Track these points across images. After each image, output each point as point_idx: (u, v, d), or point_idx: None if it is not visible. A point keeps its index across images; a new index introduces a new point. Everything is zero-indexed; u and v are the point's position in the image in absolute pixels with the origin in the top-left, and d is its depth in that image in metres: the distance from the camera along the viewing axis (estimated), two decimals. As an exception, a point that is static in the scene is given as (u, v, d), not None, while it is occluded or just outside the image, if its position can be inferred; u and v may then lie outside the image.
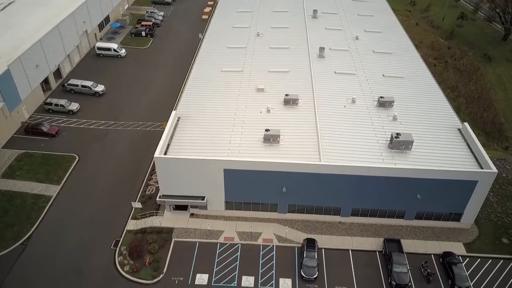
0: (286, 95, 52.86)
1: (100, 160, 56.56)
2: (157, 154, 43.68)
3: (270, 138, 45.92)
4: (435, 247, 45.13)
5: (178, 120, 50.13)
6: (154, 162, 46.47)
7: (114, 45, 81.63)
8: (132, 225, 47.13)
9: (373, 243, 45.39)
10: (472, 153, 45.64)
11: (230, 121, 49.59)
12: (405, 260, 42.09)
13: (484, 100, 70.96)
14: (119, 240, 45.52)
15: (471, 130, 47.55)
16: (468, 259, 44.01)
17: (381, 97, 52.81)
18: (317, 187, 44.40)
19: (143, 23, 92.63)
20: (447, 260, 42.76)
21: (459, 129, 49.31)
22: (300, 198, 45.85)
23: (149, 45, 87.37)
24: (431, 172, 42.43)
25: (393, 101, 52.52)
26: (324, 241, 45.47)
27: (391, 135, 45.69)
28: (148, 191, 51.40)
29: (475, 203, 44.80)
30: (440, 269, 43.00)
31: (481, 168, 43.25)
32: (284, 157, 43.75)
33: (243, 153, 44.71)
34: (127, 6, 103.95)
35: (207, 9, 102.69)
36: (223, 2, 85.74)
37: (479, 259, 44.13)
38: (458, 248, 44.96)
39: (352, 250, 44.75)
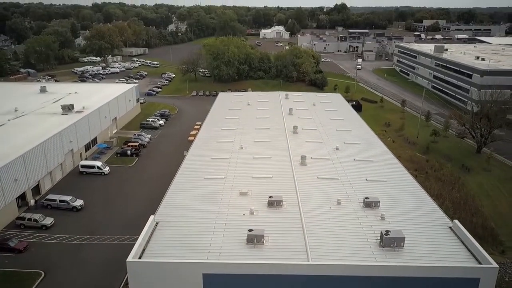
0: (270, 197, 51.59)
1: (68, 275, 51.61)
2: (130, 258, 39.96)
3: (254, 239, 43.01)
4: None
5: (156, 225, 47.40)
6: (127, 275, 42.13)
7: (98, 163, 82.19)
8: None
9: None
10: (468, 249, 43.04)
11: (211, 225, 47.01)
12: None
13: (470, 206, 70.37)
14: None
15: (462, 227, 45.73)
16: None
17: (366, 198, 51.85)
18: (307, 292, 40.07)
19: (129, 144, 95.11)
20: None
21: (450, 227, 47.45)
22: (289, 307, 40.90)
23: (133, 163, 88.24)
24: (429, 270, 39.08)
25: (379, 202, 51.40)
26: None
27: (381, 232, 43.45)
28: (119, 308, 45.67)
29: (481, 306, 40.45)
30: None
31: (480, 263, 40.27)
32: (269, 259, 40.40)
33: (224, 256, 41.28)
34: (115, 130, 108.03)
35: (194, 132, 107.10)
36: (209, 120, 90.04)
37: None
38: None
39: None
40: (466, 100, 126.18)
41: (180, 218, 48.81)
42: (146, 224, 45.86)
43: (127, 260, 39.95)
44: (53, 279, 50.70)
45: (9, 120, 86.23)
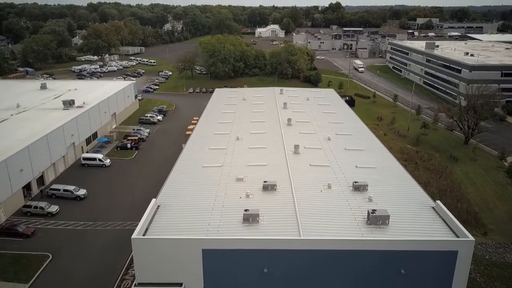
0: (265, 181, 54.82)
1: (74, 258, 54.52)
2: (134, 235, 43.03)
3: (250, 218, 46.20)
4: (429, 328, 42.40)
5: (157, 208, 50.48)
6: (131, 257, 45.34)
7: (99, 156, 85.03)
8: (103, 321, 43.57)
9: (362, 327, 42.46)
10: (449, 227, 46.41)
11: (209, 207, 50.18)
12: None
13: (456, 193, 73.83)
14: (87, 338, 41.59)
15: (444, 207, 49.07)
16: None
17: (355, 182, 55.16)
18: (299, 266, 43.24)
19: (129, 137, 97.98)
20: None
21: (432, 207, 50.79)
22: (283, 281, 44.06)
23: (133, 156, 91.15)
24: (410, 243, 42.49)
25: (367, 185, 54.70)
26: (311, 327, 42.38)
27: (367, 211, 46.76)
28: (124, 286, 48.66)
29: (460, 277, 43.70)
30: None
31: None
32: (264, 236, 43.58)
33: (222, 233, 44.46)
34: (115, 125, 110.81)
35: (191, 126, 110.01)
36: (206, 114, 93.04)
37: None
38: (452, 329, 42.30)
39: (341, 336, 41.57)
40: (456, 95, 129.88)
41: (180, 201, 51.97)
42: (148, 207, 48.94)
43: (132, 237, 43.04)
44: (61, 261, 53.61)
45: (11, 115, 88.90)
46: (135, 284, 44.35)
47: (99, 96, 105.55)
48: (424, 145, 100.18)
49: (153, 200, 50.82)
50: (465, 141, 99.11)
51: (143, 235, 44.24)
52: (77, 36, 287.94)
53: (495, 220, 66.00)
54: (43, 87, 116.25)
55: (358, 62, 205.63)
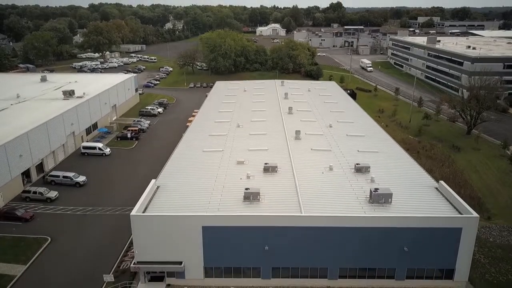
0: (266, 163, 54.25)
1: (74, 241, 53.82)
2: (133, 212, 42.49)
3: (250, 196, 45.63)
4: (432, 306, 41.73)
5: (157, 189, 49.91)
6: (131, 240, 44.82)
7: (99, 144, 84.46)
8: (102, 300, 42.94)
9: (365, 305, 41.81)
10: (452, 205, 45.75)
11: (210, 187, 49.63)
12: (401, 316, 38.51)
13: (459, 179, 73.02)
14: (86, 316, 40.96)
15: (447, 187, 48.41)
16: (469, 317, 40.48)
17: (357, 164, 54.53)
18: (301, 243, 42.71)
19: (129, 128, 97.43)
20: (446, 317, 39.22)
21: (436, 188, 50.11)
22: (284, 258, 43.50)
23: (133, 146, 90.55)
24: (413, 220, 41.89)
25: (369, 167, 54.08)
26: (313, 305, 41.74)
27: (370, 190, 46.14)
28: (123, 266, 48.03)
29: (464, 255, 43.16)
30: (441, 328, 39.14)
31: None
32: (265, 212, 43.00)
33: (222, 211, 43.90)
34: (115, 117, 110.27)
35: (192, 118, 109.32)
36: (206, 104, 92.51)
37: (481, 317, 40.64)
38: (457, 307, 41.63)
39: (343, 313, 40.93)
40: (458, 88, 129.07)
41: (180, 183, 51.39)
42: (147, 187, 48.43)
43: (131, 214, 42.51)
44: (60, 243, 52.90)
45: (11, 104, 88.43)
46: (134, 262, 43.83)
47: (99, 88, 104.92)
48: (426, 135, 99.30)
49: (153, 180, 50.28)
50: (468, 131, 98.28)
51: (143, 212, 43.71)
52: (78, 35, 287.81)
53: (498, 205, 65.17)
54: (43, 79, 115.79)
55: (365, 61, 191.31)
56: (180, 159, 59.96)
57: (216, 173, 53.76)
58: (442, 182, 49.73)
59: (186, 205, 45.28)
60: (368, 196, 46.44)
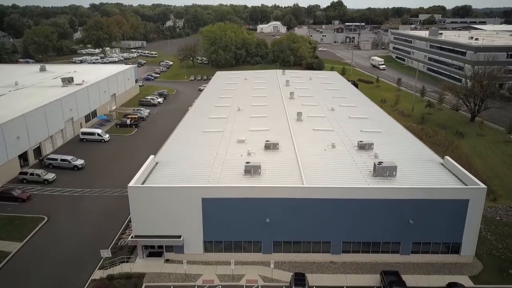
0: (267, 141, 53.10)
1: (71, 220, 52.69)
2: (131, 184, 41.34)
3: (251, 170, 44.47)
4: (439, 280, 40.51)
5: (156, 164, 48.79)
6: (129, 219, 43.79)
7: (98, 130, 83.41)
8: (99, 275, 41.73)
9: (369, 279, 40.60)
10: (459, 179, 44.49)
11: (210, 162, 48.50)
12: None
13: (463, 163, 71.51)
14: (81, 290, 39.81)
15: (453, 161, 47.17)
16: (477, 290, 39.27)
17: (360, 141, 53.33)
18: (303, 216, 41.48)
19: (129, 116, 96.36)
20: (454, 289, 38.00)
21: (441, 163, 48.89)
22: (286, 232, 42.29)
23: (133, 133, 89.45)
24: (419, 192, 40.64)
25: (373, 144, 52.88)
26: (315, 279, 40.51)
27: (374, 163, 44.94)
28: (121, 243, 46.90)
29: (471, 229, 41.91)
30: (448, 300, 37.91)
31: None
32: (266, 184, 41.82)
33: (223, 183, 42.73)
34: (114, 106, 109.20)
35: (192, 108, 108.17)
36: (207, 91, 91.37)
37: (490, 290, 39.44)
38: (464, 281, 40.34)
39: (347, 287, 39.68)
40: (461, 78, 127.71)
41: (179, 159, 50.23)
42: (146, 162, 47.24)
43: (129, 185, 41.33)
44: (57, 222, 51.75)
45: (9, 91, 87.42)
46: (132, 236, 42.69)
47: (98, 77, 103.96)
48: (429, 123, 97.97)
49: (151, 156, 49.14)
50: (471, 118, 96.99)
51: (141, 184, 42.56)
52: (78, 32, 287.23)
53: (504, 187, 63.84)
54: (42, 69, 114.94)
55: (376, 58, 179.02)
56: (180, 138, 58.87)
57: (217, 150, 52.60)
58: (447, 157, 48.49)
59: (185, 178, 44.11)
60: (372, 170, 45.23)
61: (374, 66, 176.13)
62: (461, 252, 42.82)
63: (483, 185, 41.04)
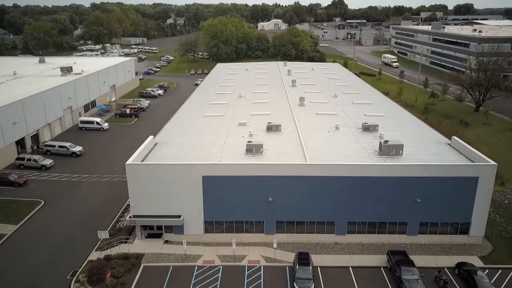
0: (269, 123, 51.81)
1: (69, 204, 51.42)
2: (129, 161, 40.06)
3: (253, 149, 43.18)
4: (447, 261, 39.15)
5: (155, 145, 47.52)
6: (128, 203, 42.61)
7: (97, 119, 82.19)
8: (96, 256, 40.43)
9: (375, 260, 39.26)
10: (467, 158, 43.15)
11: (211, 142, 47.24)
12: (415, 267, 35.87)
13: (469, 150, 70.33)
14: (78, 270, 38.47)
15: (461, 141, 45.80)
16: (487, 270, 37.82)
17: (364, 123, 52.02)
18: (306, 195, 40.17)
19: (129, 106, 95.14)
20: (463, 269, 36.61)
21: (448, 144, 47.53)
22: (289, 211, 40.95)
23: (132, 122, 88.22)
24: (426, 169, 39.28)
25: (377, 125, 51.57)
26: (320, 260, 39.16)
27: (379, 142, 43.62)
28: (119, 225, 45.61)
29: (481, 208, 40.56)
30: (457, 280, 36.50)
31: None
32: (268, 161, 40.51)
33: (224, 161, 41.41)
34: (114, 98, 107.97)
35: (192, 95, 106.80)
36: (207, 80, 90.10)
37: (501, 270, 38.00)
38: (474, 261, 38.94)
39: (352, 267, 38.33)
40: (464, 70, 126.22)
41: (179, 140, 49.00)
42: (144, 142, 46.02)
43: (127, 163, 40.06)
44: (54, 206, 50.49)
45: (7, 80, 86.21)
46: (130, 216, 41.41)
47: (98, 67, 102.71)
48: (433, 113, 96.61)
49: (150, 136, 47.91)
50: (476, 108, 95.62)
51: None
52: (79, 29, 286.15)
53: (511, 172, 62.57)
54: (42, 61, 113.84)
55: (389, 56, 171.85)
56: (180, 121, 57.66)
57: (217, 132, 51.33)
58: (455, 137, 47.11)
59: (185, 157, 42.83)
60: (378, 149, 43.89)
61: (386, 64, 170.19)
62: (470, 232, 41.46)
63: (493, 162, 39.65)
